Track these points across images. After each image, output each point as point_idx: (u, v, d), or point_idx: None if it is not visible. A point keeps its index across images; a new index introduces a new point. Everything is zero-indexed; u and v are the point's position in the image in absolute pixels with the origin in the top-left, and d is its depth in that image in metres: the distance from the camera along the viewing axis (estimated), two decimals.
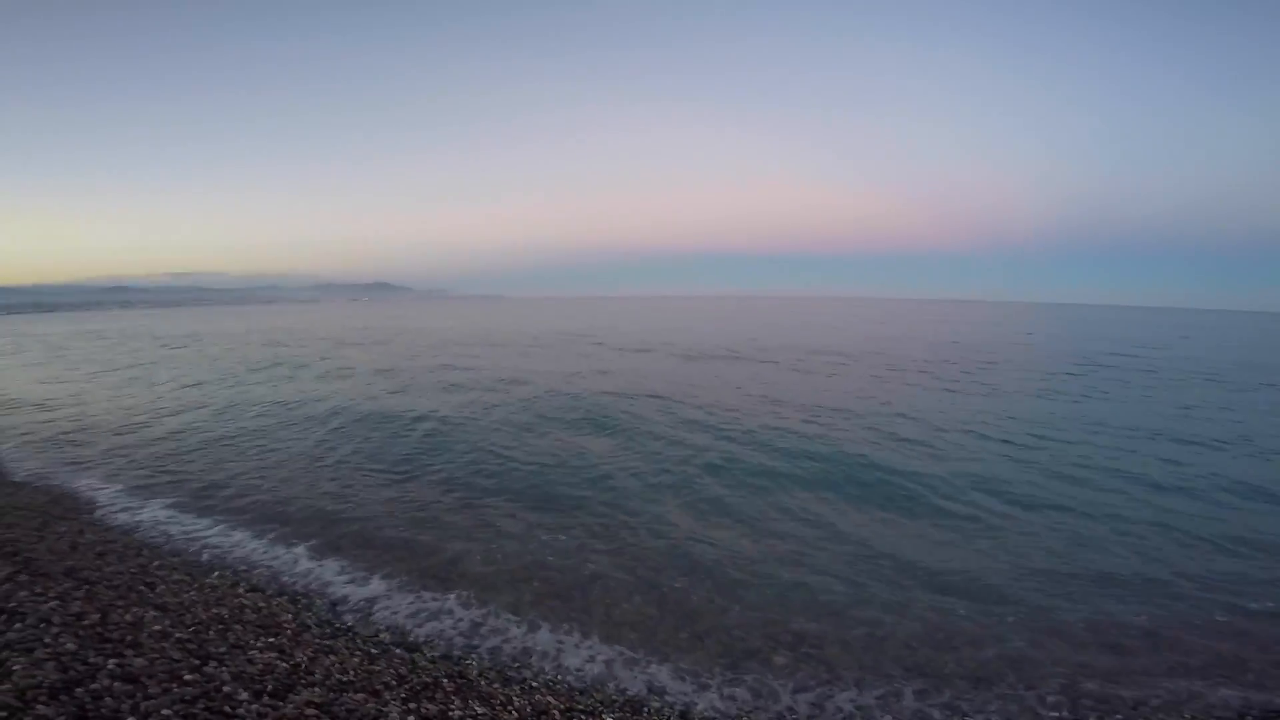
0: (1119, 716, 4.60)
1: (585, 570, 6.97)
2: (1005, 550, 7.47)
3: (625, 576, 6.80)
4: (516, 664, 5.17)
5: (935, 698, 4.82)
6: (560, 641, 5.60)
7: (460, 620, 5.97)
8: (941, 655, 5.36)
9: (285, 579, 6.70)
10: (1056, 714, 4.64)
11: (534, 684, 4.84)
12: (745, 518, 8.52)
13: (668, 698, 4.80)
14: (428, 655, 5.21)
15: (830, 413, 15.01)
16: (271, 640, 4.80)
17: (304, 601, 6.14)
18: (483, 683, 4.77)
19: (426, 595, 6.45)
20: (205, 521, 8.42)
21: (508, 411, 15.25)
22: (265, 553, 7.47)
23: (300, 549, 7.56)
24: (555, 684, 4.90)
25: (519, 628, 5.84)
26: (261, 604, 5.83)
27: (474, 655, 5.29)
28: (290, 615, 5.64)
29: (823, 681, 5.04)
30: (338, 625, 5.65)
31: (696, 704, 4.75)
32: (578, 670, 5.15)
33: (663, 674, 5.13)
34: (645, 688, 4.93)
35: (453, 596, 6.41)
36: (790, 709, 4.70)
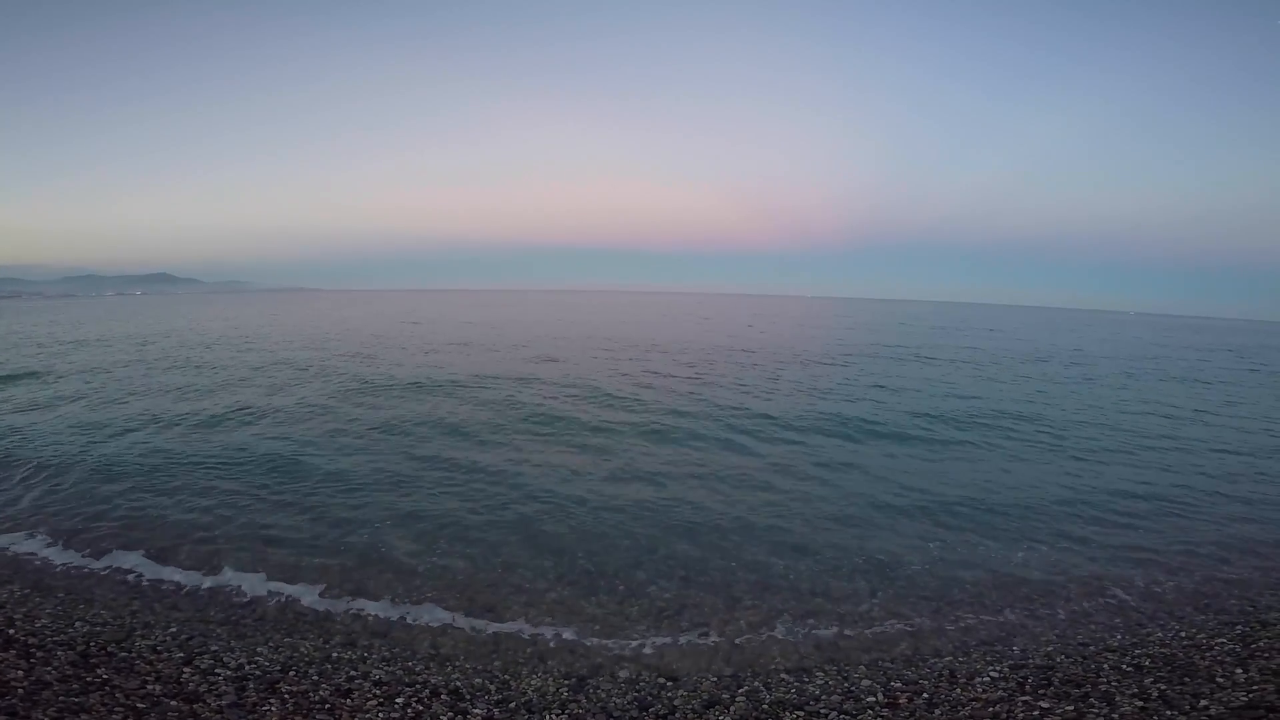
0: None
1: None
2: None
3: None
4: (326, 706, 4.64)
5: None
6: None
7: (254, 655, 5.25)
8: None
9: (12, 631, 5.40)
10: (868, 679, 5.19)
11: None
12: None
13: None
14: (212, 705, 4.48)
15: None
16: None
17: (39, 656, 4.98)
18: None
19: (208, 630, 5.58)
20: None
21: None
22: None
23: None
24: None
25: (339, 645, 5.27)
26: None
27: (272, 700, 4.65)
28: (22, 671, 4.54)
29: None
30: (89, 679, 4.65)
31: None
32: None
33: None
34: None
35: (239, 628, 5.62)
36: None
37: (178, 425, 13.31)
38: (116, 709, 4.14)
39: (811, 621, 6.24)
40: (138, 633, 5.55)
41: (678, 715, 4.71)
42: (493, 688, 5.01)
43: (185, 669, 4.95)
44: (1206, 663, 5.19)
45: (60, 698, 4.18)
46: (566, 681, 5.15)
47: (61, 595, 6.31)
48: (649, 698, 4.96)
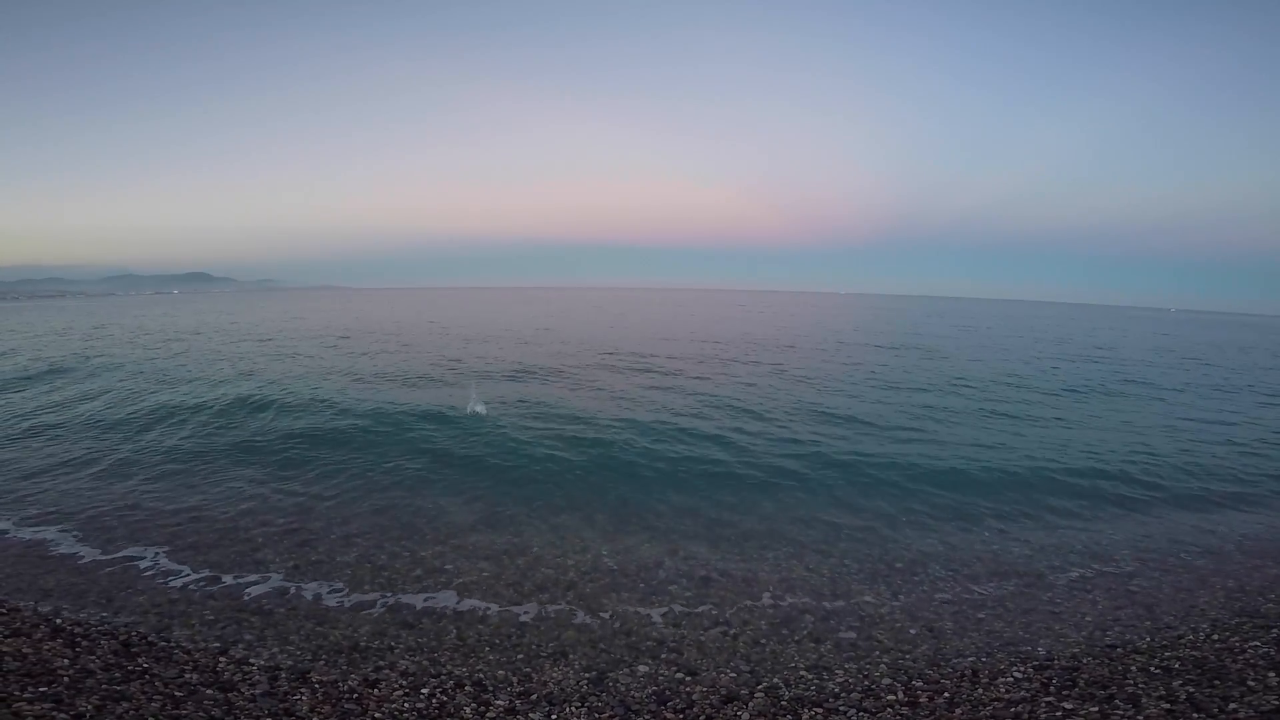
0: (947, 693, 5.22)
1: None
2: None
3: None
4: (354, 695, 4.78)
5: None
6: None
7: (286, 645, 5.42)
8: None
9: (59, 620, 5.65)
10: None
11: (376, 715, 4.50)
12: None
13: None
14: (246, 694, 4.65)
15: None
16: (44, 690, 4.03)
17: (84, 645, 5.21)
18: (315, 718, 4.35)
19: (242, 621, 5.78)
20: None
21: None
22: (19, 587, 6.25)
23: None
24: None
25: (373, 637, 5.42)
26: (28, 649, 4.86)
27: (303, 689, 4.80)
28: (67, 660, 4.76)
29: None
30: (130, 668, 4.86)
31: None
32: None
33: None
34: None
35: (272, 620, 5.80)
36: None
37: (213, 422, 13.70)
38: (155, 697, 4.32)
39: (832, 621, 6.23)
40: (176, 623, 5.78)
41: (696, 709, 4.75)
42: (515, 680, 5.12)
43: (221, 659, 5.14)
44: (1238, 666, 5.08)
45: (103, 685, 4.37)
46: (587, 675, 5.23)
47: (105, 585, 6.57)
48: (668, 692, 5.01)
